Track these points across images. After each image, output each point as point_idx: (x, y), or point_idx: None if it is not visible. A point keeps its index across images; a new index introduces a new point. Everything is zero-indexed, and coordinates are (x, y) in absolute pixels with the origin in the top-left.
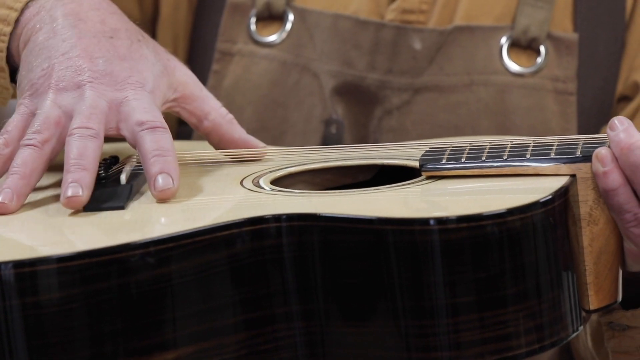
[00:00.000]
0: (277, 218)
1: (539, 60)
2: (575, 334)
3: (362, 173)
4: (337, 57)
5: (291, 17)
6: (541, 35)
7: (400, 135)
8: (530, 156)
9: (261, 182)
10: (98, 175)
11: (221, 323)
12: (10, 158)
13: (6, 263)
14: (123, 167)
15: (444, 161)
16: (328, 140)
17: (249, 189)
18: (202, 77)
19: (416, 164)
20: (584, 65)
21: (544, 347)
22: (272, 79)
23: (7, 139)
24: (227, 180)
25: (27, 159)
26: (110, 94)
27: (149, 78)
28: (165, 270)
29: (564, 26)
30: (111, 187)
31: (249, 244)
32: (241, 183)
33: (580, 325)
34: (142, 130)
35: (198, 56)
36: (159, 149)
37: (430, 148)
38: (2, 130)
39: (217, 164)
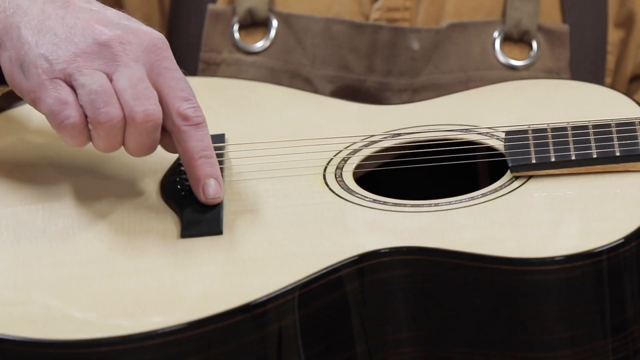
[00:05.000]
0: (392, 252)
1: (532, 53)
2: None
3: None
4: (332, 61)
5: (275, 23)
6: (532, 27)
7: None
8: (619, 152)
9: (347, 181)
10: (180, 192)
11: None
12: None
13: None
14: None
15: (533, 160)
16: None
17: (340, 196)
18: None
19: (498, 144)
20: (574, 54)
21: None
22: None
23: (75, 112)
24: (308, 179)
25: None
26: (141, 54)
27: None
28: (280, 323)
29: (553, 17)
30: (199, 205)
31: (362, 279)
32: (326, 182)
33: None
34: (185, 125)
35: None
36: (205, 149)
37: (510, 132)
38: (55, 109)
39: (278, 155)
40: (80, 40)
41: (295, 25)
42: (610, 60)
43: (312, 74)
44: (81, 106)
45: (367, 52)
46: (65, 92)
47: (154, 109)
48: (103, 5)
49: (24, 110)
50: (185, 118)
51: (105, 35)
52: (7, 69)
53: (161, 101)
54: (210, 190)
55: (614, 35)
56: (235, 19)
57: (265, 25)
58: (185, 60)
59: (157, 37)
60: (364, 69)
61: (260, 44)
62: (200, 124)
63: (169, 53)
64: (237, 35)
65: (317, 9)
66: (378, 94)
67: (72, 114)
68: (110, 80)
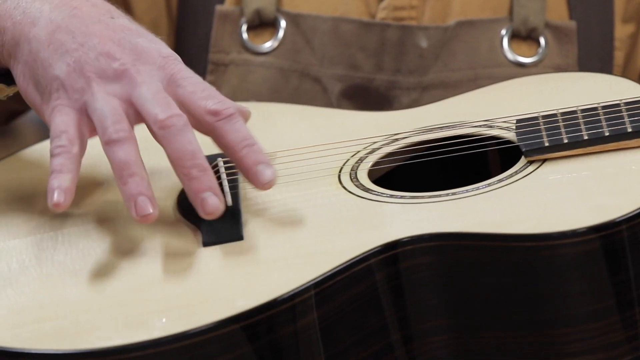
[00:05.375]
0: (414, 240)
1: (540, 50)
2: None
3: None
4: (341, 60)
5: (283, 23)
6: (540, 24)
7: None
8: (631, 128)
9: (362, 181)
10: None
11: (369, 352)
12: (80, 155)
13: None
14: (220, 183)
15: (546, 143)
16: None
17: (357, 195)
18: None
19: (510, 135)
20: (582, 50)
21: None
22: (271, 87)
23: (70, 138)
24: (323, 182)
25: (128, 157)
26: (156, 72)
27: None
28: (310, 317)
29: (559, 14)
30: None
31: (387, 269)
32: (341, 183)
33: None
34: (218, 121)
35: None
36: (246, 138)
37: (520, 120)
38: (53, 135)
39: (290, 159)
40: (94, 62)
41: (303, 25)
42: (619, 56)
43: (320, 73)
44: (94, 131)
45: (375, 51)
46: (69, 119)
47: (177, 110)
48: (109, 11)
49: (35, 149)
50: (215, 114)
51: (117, 61)
52: (21, 85)
53: (188, 109)
54: (266, 173)
55: (621, 31)
56: (243, 19)
57: (273, 25)
58: (194, 62)
59: (167, 53)
60: (373, 67)
61: (268, 44)
62: (231, 114)
63: (182, 65)
64: (245, 35)
65: (323, 9)
66: (387, 93)
67: (63, 143)
68: (130, 102)
